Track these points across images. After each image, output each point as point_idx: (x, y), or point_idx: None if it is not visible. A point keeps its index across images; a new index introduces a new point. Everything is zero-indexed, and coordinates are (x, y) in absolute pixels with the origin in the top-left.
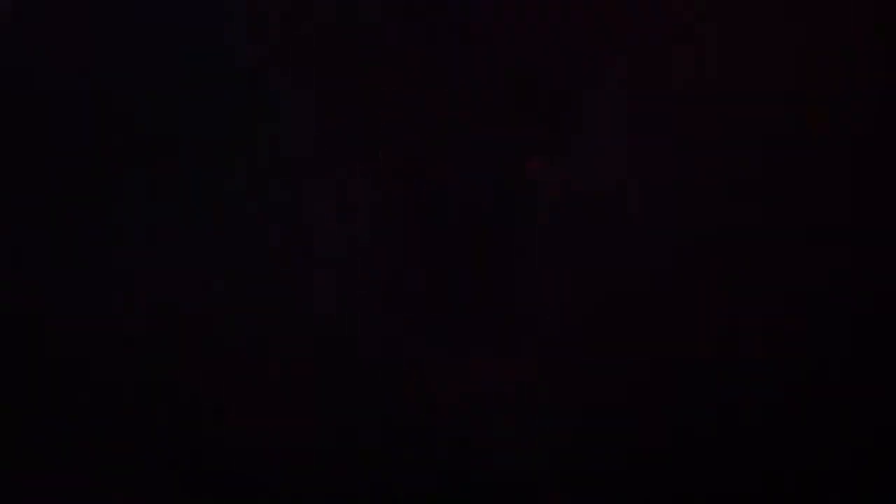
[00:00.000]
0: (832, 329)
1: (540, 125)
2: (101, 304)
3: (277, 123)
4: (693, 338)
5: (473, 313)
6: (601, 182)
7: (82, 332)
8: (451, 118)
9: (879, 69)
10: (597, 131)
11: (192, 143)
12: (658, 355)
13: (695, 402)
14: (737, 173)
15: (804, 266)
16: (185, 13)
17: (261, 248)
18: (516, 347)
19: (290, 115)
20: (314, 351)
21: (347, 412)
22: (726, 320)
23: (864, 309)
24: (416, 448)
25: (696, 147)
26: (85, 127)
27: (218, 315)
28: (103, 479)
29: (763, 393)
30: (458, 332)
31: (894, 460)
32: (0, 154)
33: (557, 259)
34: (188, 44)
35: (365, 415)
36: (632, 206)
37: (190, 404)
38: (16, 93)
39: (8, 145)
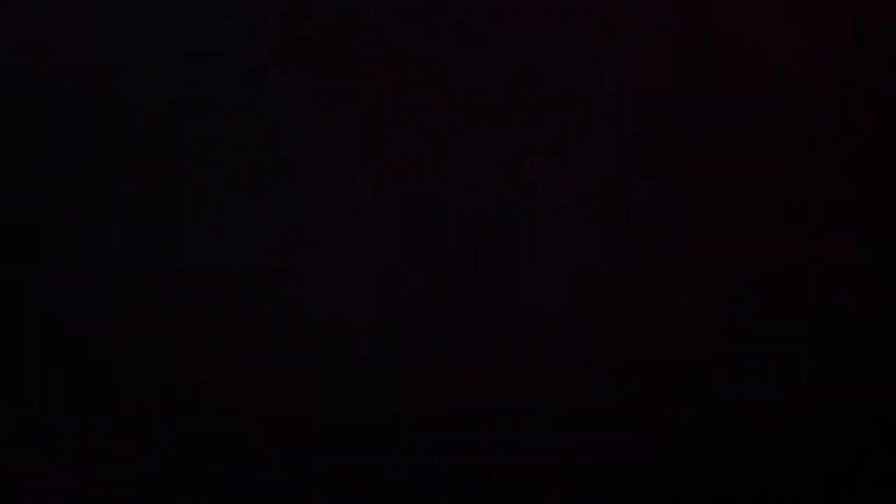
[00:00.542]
0: (832, 329)
1: (540, 125)
2: (100, 303)
3: (277, 123)
4: (693, 338)
5: (473, 313)
6: (601, 182)
7: (82, 332)
8: (451, 118)
9: (879, 69)
10: (597, 131)
11: (192, 143)
12: (658, 355)
13: (694, 402)
14: (737, 173)
15: (804, 266)
16: (185, 13)
17: (261, 248)
18: (516, 347)
19: (290, 115)
20: (314, 351)
21: (347, 412)
22: (726, 320)
23: (864, 309)
24: (416, 448)
25: (695, 147)
26: (85, 127)
27: (218, 315)
28: (103, 479)
29: (763, 393)
30: (458, 332)
31: (894, 460)
32: (0, 154)
33: (557, 259)
34: (188, 44)
35: (365, 415)
36: (632, 206)
37: (190, 404)
38: (16, 93)
39: (8, 145)
